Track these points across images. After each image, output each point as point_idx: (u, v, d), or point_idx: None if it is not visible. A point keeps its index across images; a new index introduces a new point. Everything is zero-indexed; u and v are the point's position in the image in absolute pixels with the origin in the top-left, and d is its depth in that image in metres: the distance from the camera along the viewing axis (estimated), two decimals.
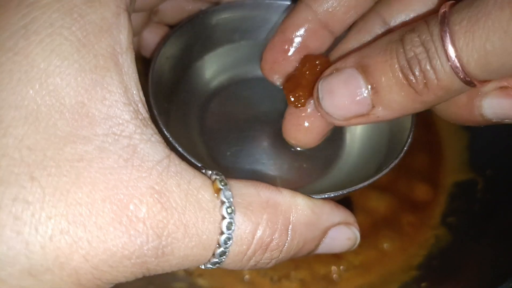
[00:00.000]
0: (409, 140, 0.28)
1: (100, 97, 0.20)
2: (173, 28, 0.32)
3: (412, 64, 0.22)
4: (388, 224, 0.41)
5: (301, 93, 0.28)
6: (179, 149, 0.26)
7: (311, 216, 0.24)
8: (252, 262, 0.23)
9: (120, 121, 0.20)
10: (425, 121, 0.47)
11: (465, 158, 0.45)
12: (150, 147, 0.21)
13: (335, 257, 0.40)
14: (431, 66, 0.22)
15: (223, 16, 0.34)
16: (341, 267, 0.39)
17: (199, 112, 0.34)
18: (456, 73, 0.21)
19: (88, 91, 0.20)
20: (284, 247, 0.23)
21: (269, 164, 0.32)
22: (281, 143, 0.32)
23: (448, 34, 0.21)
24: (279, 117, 0.33)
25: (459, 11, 0.21)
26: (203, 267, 0.22)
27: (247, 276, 0.38)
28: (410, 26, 0.23)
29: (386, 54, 0.23)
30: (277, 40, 0.30)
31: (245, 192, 0.22)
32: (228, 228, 0.21)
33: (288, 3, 0.33)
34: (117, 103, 0.20)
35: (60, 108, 0.19)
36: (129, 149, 0.20)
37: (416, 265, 0.40)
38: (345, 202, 0.26)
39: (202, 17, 0.33)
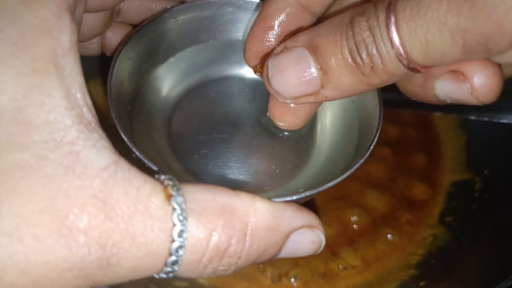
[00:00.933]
0: (375, 139, 0.28)
1: (39, 102, 0.19)
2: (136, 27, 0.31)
3: (359, 48, 0.23)
4: (387, 223, 0.42)
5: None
6: (137, 152, 0.26)
7: (271, 220, 0.22)
8: (209, 270, 0.22)
9: (61, 127, 0.19)
10: (424, 121, 0.48)
11: (463, 158, 0.46)
12: (95, 153, 0.20)
13: (334, 256, 0.40)
14: (377, 51, 0.22)
15: (189, 15, 0.32)
16: (340, 266, 0.39)
17: (166, 114, 0.33)
18: (400, 60, 0.22)
19: (26, 96, 0.19)
20: (242, 252, 0.22)
21: (237, 167, 0.31)
22: (250, 145, 0.32)
23: (393, 21, 0.21)
24: (249, 118, 0.33)
25: None
26: (157, 276, 0.21)
27: (247, 274, 0.39)
28: (360, 7, 0.23)
29: (336, 35, 0.23)
30: (259, 29, 0.29)
31: (200, 197, 0.21)
32: (180, 235, 0.20)
33: (257, 0, 0.32)
34: (58, 108, 0.19)
35: None
36: (70, 156, 0.19)
37: (415, 264, 0.40)
38: (309, 205, 0.25)
39: (167, 16, 0.32)
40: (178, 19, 0.32)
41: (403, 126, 0.47)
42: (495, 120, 0.42)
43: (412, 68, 0.22)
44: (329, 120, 0.33)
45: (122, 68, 0.30)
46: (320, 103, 0.30)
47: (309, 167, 0.32)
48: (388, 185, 0.43)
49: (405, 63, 0.22)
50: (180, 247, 0.20)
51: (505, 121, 0.42)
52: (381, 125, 0.28)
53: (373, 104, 0.29)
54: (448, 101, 0.24)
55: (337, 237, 0.41)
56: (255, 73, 0.30)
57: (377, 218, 0.42)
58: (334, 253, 0.40)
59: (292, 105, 0.29)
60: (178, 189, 0.21)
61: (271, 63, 0.26)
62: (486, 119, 0.43)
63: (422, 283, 0.38)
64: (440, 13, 0.20)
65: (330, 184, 0.26)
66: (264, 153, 0.32)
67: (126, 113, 0.30)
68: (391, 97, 0.45)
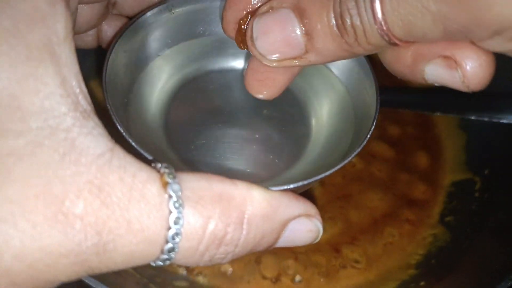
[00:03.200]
0: (372, 128, 0.28)
1: (34, 89, 0.19)
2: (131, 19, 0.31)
3: (344, 18, 0.22)
4: (387, 222, 0.42)
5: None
6: (131, 141, 0.26)
7: (268, 209, 0.22)
8: (206, 257, 0.22)
9: (57, 114, 0.19)
10: (424, 121, 0.48)
11: (463, 158, 0.46)
12: (91, 140, 0.20)
13: (335, 255, 0.40)
14: (361, 23, 0.22)
15: (185, 8, 0.32)
16: (341, 263, 0.40)
17: (162, 106, 0.33)
18: (381, 35, 0.22)
19: (20, 83, 0.19)
20: (239, 241, 0.22)
21: (234, 157, 0.31)
22: (246, 135, 0.32)
23: None
24: (246, 109, 0.33)
25: None
26: (153, 264, 0.21)
27: (247, 273, 0.39)
28: None
29: (324, 1, 0.23)
30: None
31: (196, 185, 0.21)
32: (176, 223, 0.20)
33: None
34: (53, 95, 0.19)
35: None
36: (66, 143, 0.19)
37: (415, 264, 0.40)
38: (307, 194, 0.25)
39: (163, 9, 0.32)
40: (173, 11, 0.32)
41: (403, 126, 0.47)
42: (495, 120, 0.42)
43: (393, 43, 0.22)
44: (325, 111, 0.33)
45: (118, 60, 0.30)
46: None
47: (306, 157, 0.32)
48: (388, 185, 0.44)
49: (386, 38, 0.22)
50: (177, 234, 0.20)
51: (505, 121, 0.42)
52: (377, 115, 0.28)
53: (370, 95, 0.29)
54: (435, 84, 0.24)
55: (339, 236, 0.41)
56: (239, 46, 0.28)
57: (377, 217, 0.42)
58: (336, 250, 0.40)
59: (268, 78, 0.29)
60: (174, 177, 0.21)
61: (256, 24, 0.25)
62: (486, 119, 0.43)
63: (422, 283, 0.38)
64: None
65: (326, 173, 0.26)
66: (261, 144, 0.32)
67: (122, 104, 0.30)
68: (391, 97, 0.45)
